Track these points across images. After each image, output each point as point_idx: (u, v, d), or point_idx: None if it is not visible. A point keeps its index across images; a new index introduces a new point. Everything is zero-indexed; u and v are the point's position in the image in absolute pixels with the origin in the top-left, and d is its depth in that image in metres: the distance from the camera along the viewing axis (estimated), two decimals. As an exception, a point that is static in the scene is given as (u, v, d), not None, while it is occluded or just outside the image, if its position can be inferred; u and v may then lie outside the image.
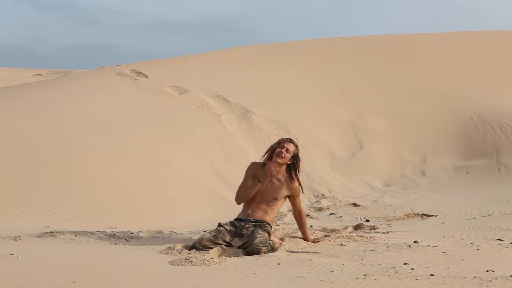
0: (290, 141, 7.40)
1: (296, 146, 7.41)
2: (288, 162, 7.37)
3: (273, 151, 7.35)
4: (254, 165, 7.48)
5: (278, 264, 6.21)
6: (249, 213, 7.29)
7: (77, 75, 19.62)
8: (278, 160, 7.28)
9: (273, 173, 7.25)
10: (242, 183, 7.43)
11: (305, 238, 7.49)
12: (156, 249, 7.23)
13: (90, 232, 8.07)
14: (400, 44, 19.63)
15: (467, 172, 12.84)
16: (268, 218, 7.29)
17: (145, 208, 10.03)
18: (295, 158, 7.37)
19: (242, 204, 7.47)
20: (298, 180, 7.42)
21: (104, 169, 10.71)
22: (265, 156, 7.43)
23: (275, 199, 7.33)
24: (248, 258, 6.65)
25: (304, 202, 11.52)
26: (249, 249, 6.82)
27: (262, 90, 15.60)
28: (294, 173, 7.37)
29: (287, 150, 7.30)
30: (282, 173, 7.37)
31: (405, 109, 15.34)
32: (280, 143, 7.39)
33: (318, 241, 7.41)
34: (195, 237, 7.78)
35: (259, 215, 7.25)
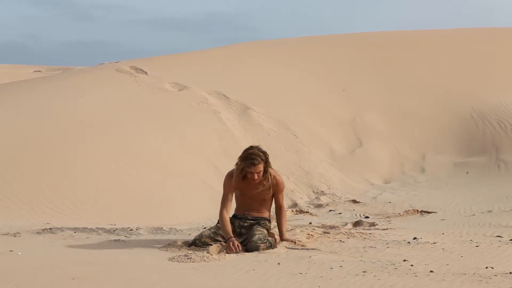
0: (254, 163, 6.95)
1: (262, 158, 7.00)
2: None
3: (245, 173, 7.03)
4: (230, 178, 7.14)
5: (278, 264, 6.20)
6: (245, 212, 7.25)
7: (76, 71, 19.61)
8: (254, 182, 7.10)
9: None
10: (224, 196, 7.17)
11: (280, 235, 7.22)
12: (155, 245, 7.23)
13: (90, 229, 8.07)
14: (400, 41, 19.62)
15: (467, 172, 12.83)
16: (265, 215, 7.28)
17: (144, 205, 10.03)
18: (265, 165, 7.04)
19: (235, 201, 7.40)
20: (265, 177, 7.08)
21: (104, 166, 10.71)
22: (237, 173, 7.06)
23: (264, 200, 7.26)
24: (247, 255, 6.65)
25: (303, 198, 11.53)
26: (248, 246, 6.81)
27: (261, 87, 15.60)
28: (266, 177, 7.07)
29: (258, 173, 6.99)
30: (260, 179, 7.14)
31: (404, 106, 15.33)
32: (246, 170, 6.99)
33: (294, 242, 7.12)
34: (195, 233, 7.78)
35: (255, 213, 7.23)
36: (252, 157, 6.99)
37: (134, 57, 18.32)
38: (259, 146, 7.13)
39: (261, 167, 6.99)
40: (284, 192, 7.33)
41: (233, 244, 6.72)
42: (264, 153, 7.06)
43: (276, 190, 7.20)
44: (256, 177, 7.00)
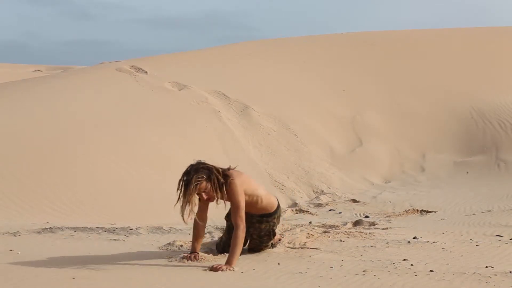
0: (195, 184, 6.04)
1: (199, 178, 6.05)
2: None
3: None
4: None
5: (278, 263, 6.19)
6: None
7: (76, 71, 19.61)
8: (205, 198, 6.19)
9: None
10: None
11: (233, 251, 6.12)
12: (155, 245, 7.23)
13: (90, 228, 8.07)
14: (400, 41, 19.62)
15: (467, 172, 12.83)
16: (254, 211, 6.49)
17: (144, 204, 10.03)
18: (210, 178, 6.09)
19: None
20: (221, 191, 6.12)
21: (104, 165, 10.71)
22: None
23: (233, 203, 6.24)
24: (247, 254, 6.64)
25: (303, 198, 11.53)
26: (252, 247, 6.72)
27: (261, 86, 15.60)
28: (218, 189, 6.12)
29: (205, 192, 6.11)
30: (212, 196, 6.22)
31: (404, 105, 15.33)
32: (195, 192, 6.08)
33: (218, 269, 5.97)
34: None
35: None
36: (187, 182, 6.07)
37: (134, 56, 18.33)
38: (199, 164, 6.16)
39: (203, 185, 6.06)
40: (238, 204, 6.14)
41: (194, 257, 6.23)
42: (206, 170, 6.09)
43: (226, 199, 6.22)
44: (204, 196, 6.14)
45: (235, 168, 6.39)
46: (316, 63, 17.36)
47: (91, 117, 12.44)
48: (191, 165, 6.18)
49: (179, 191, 6.10)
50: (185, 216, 6.06)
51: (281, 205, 10.94)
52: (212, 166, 6.18)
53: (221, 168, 6.23)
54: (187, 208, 6.07)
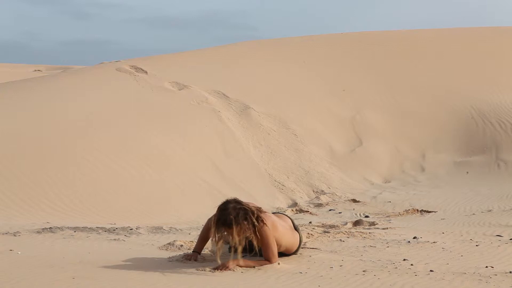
0: (223, 223, 5.90)
1: (237, 221, 5.91)
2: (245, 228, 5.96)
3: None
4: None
5: (278, 263, 6.19)
6: None
7: (76, 71, 19.61)
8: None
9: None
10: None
11: (255, 261, 6.15)
12: (155, 245, 7.23)
13: (90, 228, 8.07)
14: (400, 40, 19.61)
15: (467, 172, 12.83)
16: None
17: (144, 204, 10.03)
18: (244, 217, 5.95)
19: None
20: (256, 228, 5.99)
21: (104, 165, 10.71)
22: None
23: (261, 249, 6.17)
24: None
25: (303, 198, 11.52)
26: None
27: (261, 86, 15.59)
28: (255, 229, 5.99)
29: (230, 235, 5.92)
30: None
31: (404, 105, 15.33)
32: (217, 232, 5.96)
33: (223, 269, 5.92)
34: (195, 233, 7.77)
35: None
36: (222, 217, 5.93)
37: (134, 56, 18.33)
38: (236, 203, 6.02)
39: (236, 229, 5.92)
40: (269, 243, 6.07)
41: (192, 257, 6.25)
42: (242, 211, 5.95)
43: (258, 241, 6.11)
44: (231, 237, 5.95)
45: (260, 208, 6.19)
46: (316, 63, 17.35)
47: (91, 117, 12.43)
48: (242, 206, 5.98)
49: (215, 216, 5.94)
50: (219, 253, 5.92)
51: (281, 205, 10.99)
52: (249, 209, 5.98)
53: (256, 209, 6.04)
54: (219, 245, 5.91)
